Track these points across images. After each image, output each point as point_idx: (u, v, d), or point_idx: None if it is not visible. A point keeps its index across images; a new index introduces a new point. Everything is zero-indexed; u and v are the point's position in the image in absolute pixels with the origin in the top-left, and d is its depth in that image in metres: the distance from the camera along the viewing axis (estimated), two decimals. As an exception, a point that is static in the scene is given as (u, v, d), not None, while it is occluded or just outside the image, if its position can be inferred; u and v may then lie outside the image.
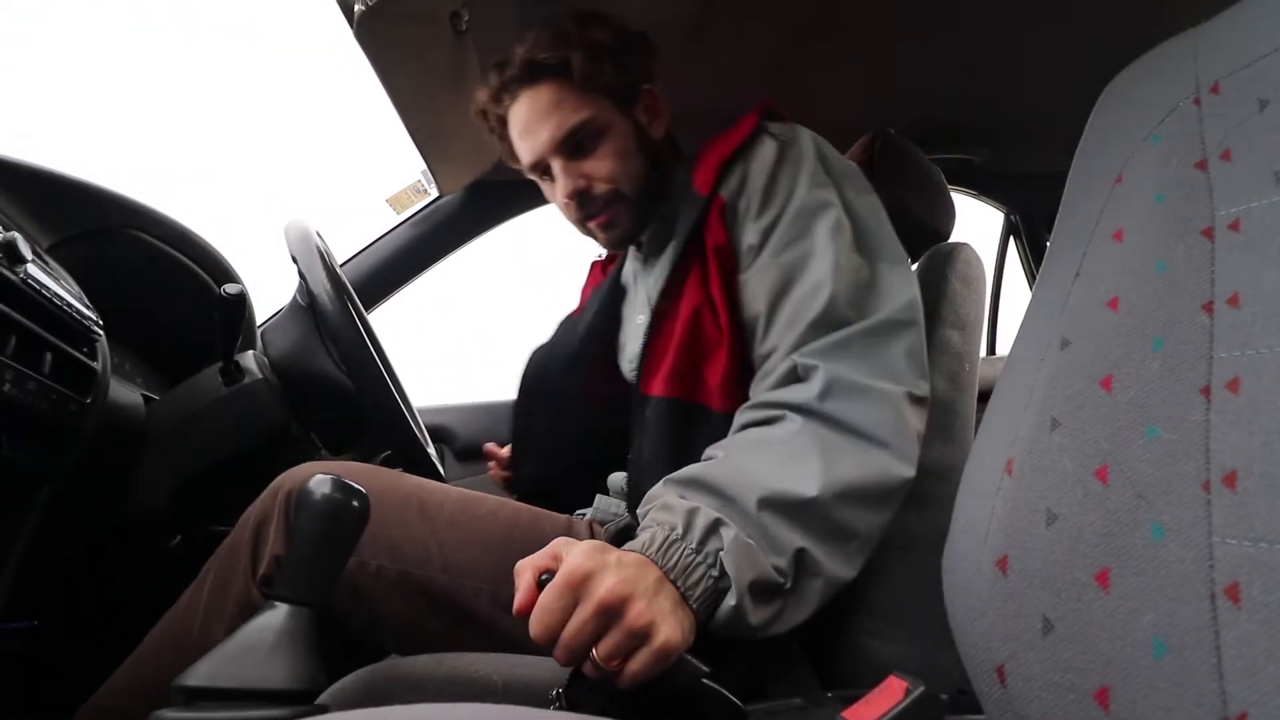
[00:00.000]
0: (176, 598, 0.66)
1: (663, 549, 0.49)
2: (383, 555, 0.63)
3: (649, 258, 0.82)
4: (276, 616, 0.40)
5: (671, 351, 0.68)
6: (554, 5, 0.78)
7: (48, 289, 0.61)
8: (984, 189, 1.59)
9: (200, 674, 0.38)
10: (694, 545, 0.50)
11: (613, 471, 0.82)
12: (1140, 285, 0.33)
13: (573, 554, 0.46)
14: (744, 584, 0.49)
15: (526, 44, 0.75)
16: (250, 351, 0.88)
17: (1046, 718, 0.29)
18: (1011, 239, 1.65)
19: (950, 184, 0.97)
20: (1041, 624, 0.30)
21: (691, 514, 0.52)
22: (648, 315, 0.72)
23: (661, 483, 0.58)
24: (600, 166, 0.76)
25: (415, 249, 1.35)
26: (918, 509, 0.64)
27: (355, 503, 0.44)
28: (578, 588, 0.45)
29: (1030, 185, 1.54)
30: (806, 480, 0.53)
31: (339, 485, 0.43)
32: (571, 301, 1.02)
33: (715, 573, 0.49)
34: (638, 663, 0.44)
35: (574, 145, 0.75)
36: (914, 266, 0.82)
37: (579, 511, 0.81)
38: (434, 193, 1.33)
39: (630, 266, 0.87)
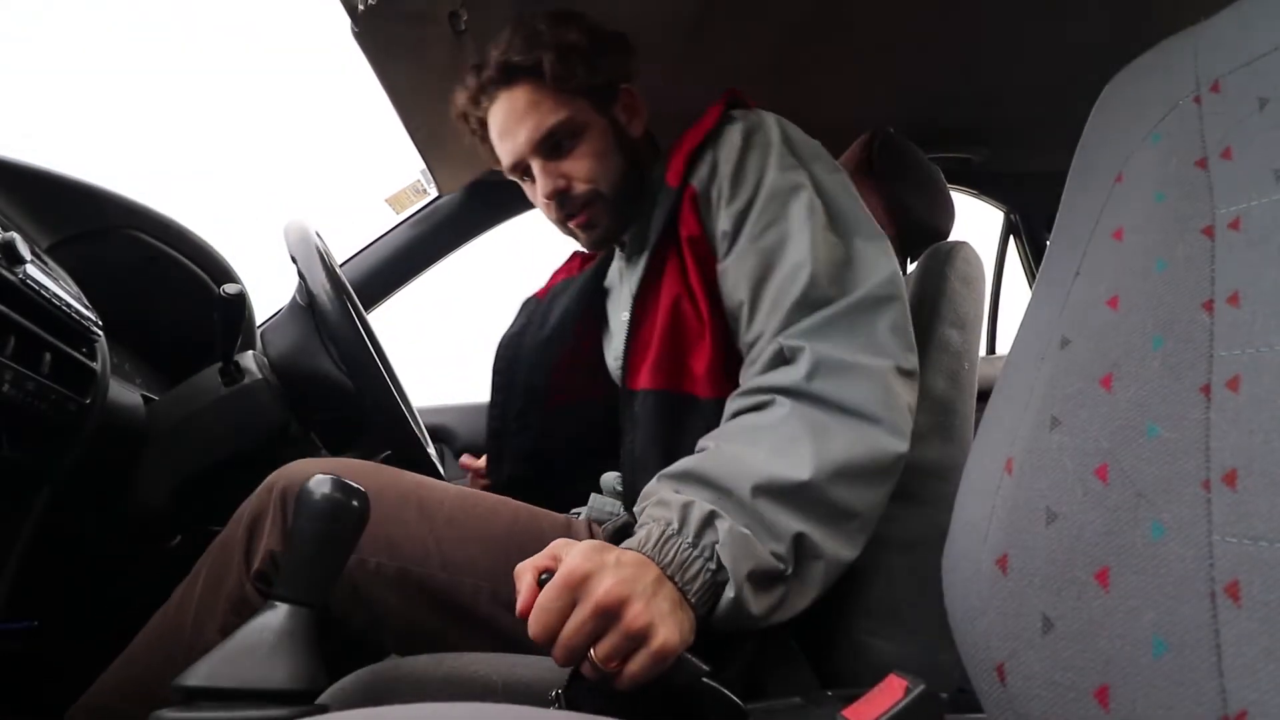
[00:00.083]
0: (176, 598, 0.66)
1: (659, 545, 0.49)
2: (381, 552, 0.63)
3: (632, 256, 0.82)
4: (276, 616, 0.40)
5: (655, 343, 0.68)
6: (552, 5, 0.77)
7: (47, 289, 0.61)
8: (984, 188, 1.59)
9: (200, 674, 0.38)
10: (690, 540, 0.50)
11: (600, 474, 0.82)
12: (1140, 284, 0.33)
13: (572, 554, 0.46)
14: (741, 575, 0.49)
15: (500, 45, 0.75)
16: (250, 352, 0.88)
17: (1046, 716, 0.29)
18: (1011, 238, 1.65)
19: (950, 183, 0.97)
20: (1041, 623, 0.30)
21: (686, 508, 0.51)
22: (630, 311, 0.72)
23: (656, 478, 0.58)
24: (579, 166, 0.76)
25: (415, 249, 1.35)
26: (918, 508, 0.64)
27: (355, 502, 0.44)
28: (576, 588, 0.45)
29: (1030, 184, 1.54)
30: (799, 464, 0.53)
31: (339, 485, 0.43)
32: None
33: (713, 566, 0.49)
34: (636, 664, 0.44)
35: (552, 145, 0.75)
36: (913, 265, 0.82)
37: (574, 510, 0.81)
38: (433, 193, 1.33)
39: (616, 266, 0.88)
